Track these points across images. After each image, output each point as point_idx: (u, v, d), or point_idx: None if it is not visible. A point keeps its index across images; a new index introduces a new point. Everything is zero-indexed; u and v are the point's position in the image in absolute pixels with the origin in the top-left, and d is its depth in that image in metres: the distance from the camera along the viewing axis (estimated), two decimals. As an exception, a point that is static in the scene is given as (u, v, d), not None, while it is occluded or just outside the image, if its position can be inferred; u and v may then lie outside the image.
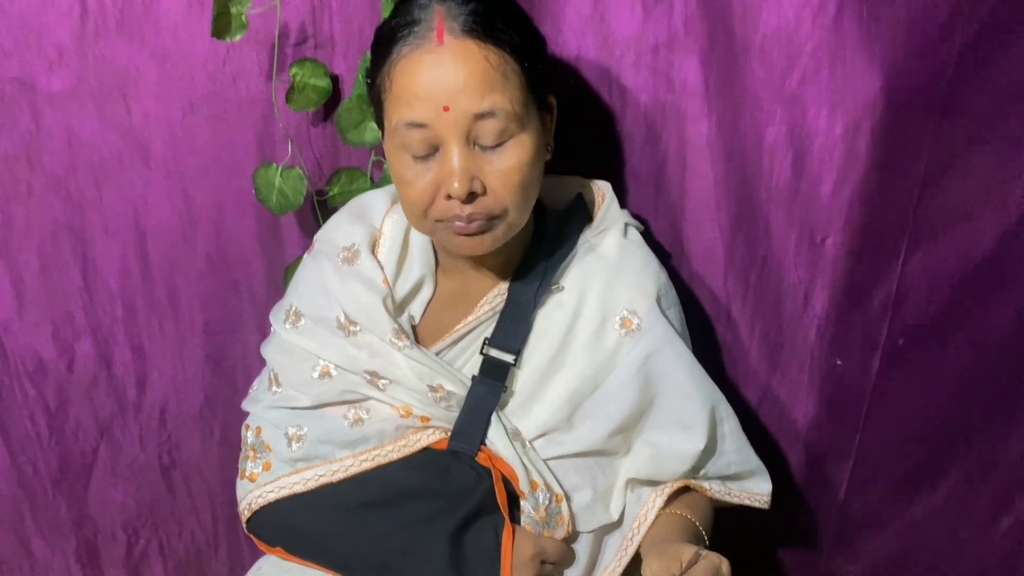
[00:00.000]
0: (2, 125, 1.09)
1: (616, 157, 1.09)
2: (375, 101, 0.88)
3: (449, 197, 0.83)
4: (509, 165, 0.84)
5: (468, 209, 0.84)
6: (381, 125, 0.88)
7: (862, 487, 1.21)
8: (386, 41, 0.84)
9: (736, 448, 0.98)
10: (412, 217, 0.90)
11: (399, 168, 0.86)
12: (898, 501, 1.21)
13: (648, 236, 1.01)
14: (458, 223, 0.85)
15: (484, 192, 0.84)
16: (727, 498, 0.99)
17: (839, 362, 1.13)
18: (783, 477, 1.21)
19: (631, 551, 0.93)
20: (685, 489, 0.96)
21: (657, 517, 0.93)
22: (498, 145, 0.83)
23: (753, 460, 1.00)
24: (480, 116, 0.81)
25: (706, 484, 0.97)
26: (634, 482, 0.96)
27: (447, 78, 0.80)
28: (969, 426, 1.14)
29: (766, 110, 1.02)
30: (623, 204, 1.04)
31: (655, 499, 0.93)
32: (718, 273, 1.12)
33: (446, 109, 0.80)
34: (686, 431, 0.94)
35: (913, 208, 1.04)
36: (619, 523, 0.96)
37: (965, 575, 1.23)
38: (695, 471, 0.96)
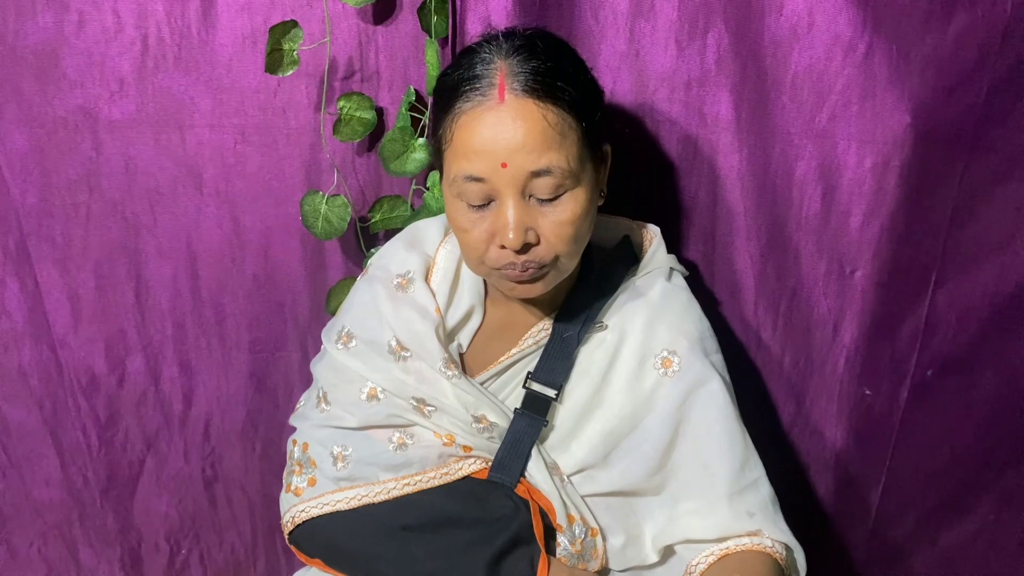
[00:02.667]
0: (65, 151, 1.14)
1: (649, 188, 1.11)
2: (436, 149, 0.89)
3: (503, 247, 0.85)
4: (563, 218, 0.85)
5: (522, 258, 0.85)
6: (440, 170, 0.89)
7: (891, 516, 1.21)
8: (449, 94, 0.85)
9: (763, 522, 0.92)
10: (469, 262, 0.91)
11: (456, 215, 0.87)
12: (928, 531, 1.21)
13: (692, 280, 1.01)
14: (510, 271, 0.87)
15: (537, 242, 0.85)
16: (786, 565, 0.91)
17: (868, 392, 1.14)
18: (812, 505, 1.22)
19: None
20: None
21: (708, 572, 0.89)
22: (553, 198, 0.84)
23: (784, 536, 0.92)
24: (536, 173, 0.82)
25: (768, 543, 0.90)
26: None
27: (506, 136, 0.81)
28: (998, 458, 1.14)
29: (796, 144, 1.05)
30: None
31: (707, 557, 0.90)
32: (748, 302, 1.13)
33: (504, 166, 0.82)
34: (701, 496, 0.92)
35: (942, 242, 1.05)
36: (661, 563, 0.95)
37: (996, 607, 1.23)
38: (720, 536, 0.92)
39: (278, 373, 1.28)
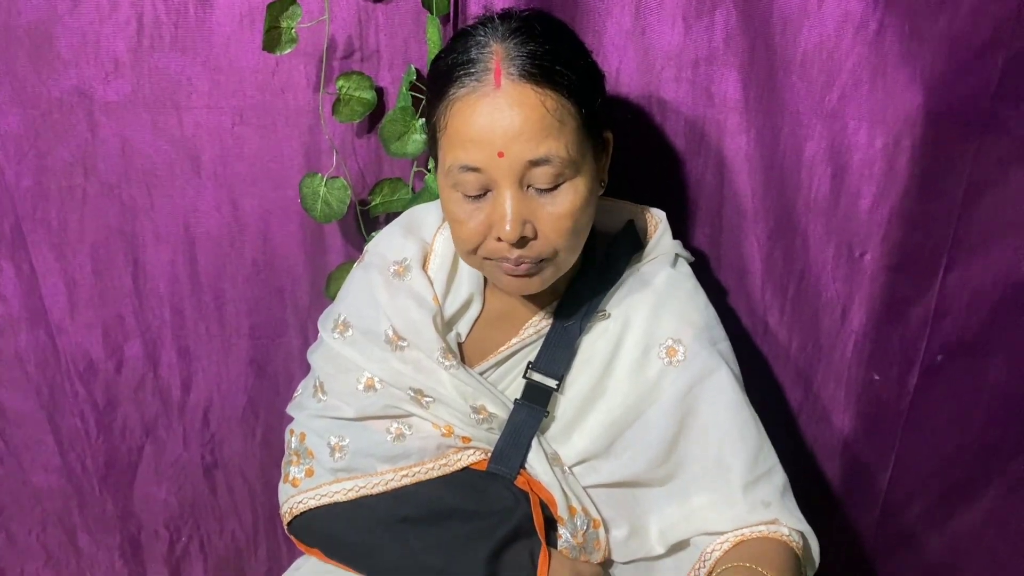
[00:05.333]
0: (60, 133, 1.12)
1: (655, 169, 1.09)
2: (431, 136, 0.86)
3: (500, 239, 0.82)
4: (562, 210, 0.82)
5: (517, 252, 0.83)
6: (435, 158, 0.87)
7: (899, 503, 1.20)
8: (443, 79, 0.82)
9: (779, 512, 0.90)
10: (461, 252, 0.89)
11: (451, 206, 0.85)
12: (936, 518, 1.21)
13: (697, 264, 1.00)
14: (506, 264, 0.84)
15: (535, 236, 0.83)
16: (802, 554, 0.90)
17: (876, 377, 1.13)
18: (820, 491, 1.21)
19: None
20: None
21: (723, 559, 0.87)
22: (552, 188, 0.81)
23: (801, 525, 0.91)
24: (535, 163, 0.79)
25: (785, 531, 0.89)
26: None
27: (503, 124, 0.78)
28: (1008, 445, 1.13)
29: (805, 125, 1.03)
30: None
31: (721, 544, 0.89)
32: (755, 286, 1.12)
33: (501, 155, 0.79)
34: (716, 489, 0.90)
35: (953, 225, 1.04)
36: (669, 554, 0.93)
37: (1004, 594, 1.23)
38: (736, 528, 0.90)
39: (278, 359, 1.27)
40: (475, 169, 0.81)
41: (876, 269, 1.07)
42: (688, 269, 0.97)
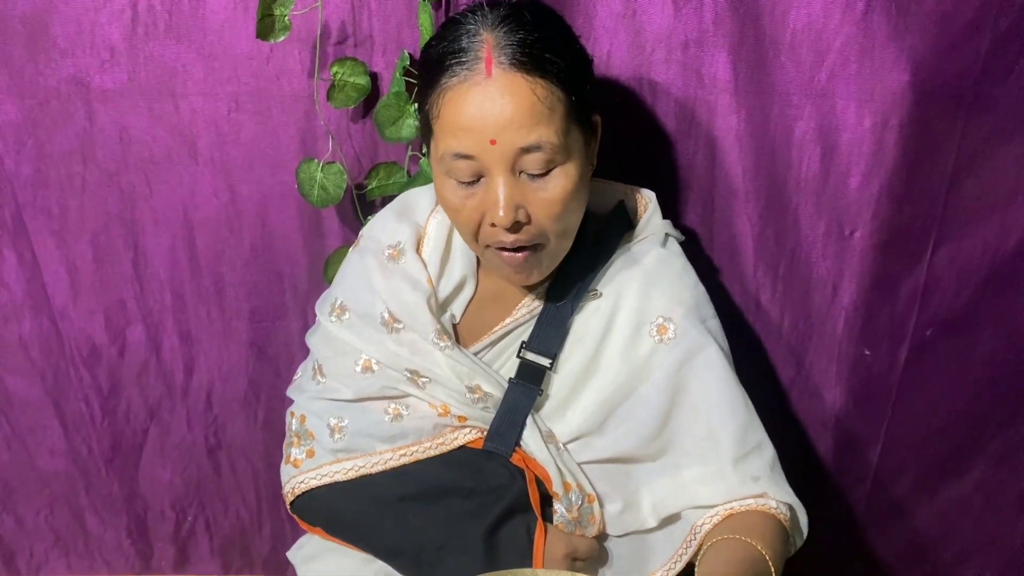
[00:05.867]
0: (58, 122, 1.13)
1: (647, 151, 1.10)
2: (424, 123, 0.87)
3: (494, 224, 0.84)
4: (553, 195, 0.84)
5: (512, 236, 0.85)
6: (428, 144, 0.88)
7: (890, 475, 1.22)
8: (434, 67, 0.84)
9: (768, 485, 0.91)
10: (465, 239, 0.91)
11: (445, 192, 0.86)
12: (926, 490, 1.22)
13: (685, 245, 1.01)
14: (506, 254, 0.86)
15: (528, 221, 0.84)
16: (789, 525, 0.91)
17: (867, 353, 1.14)
18: (812, 465, 1.22)
19: (679, 565, 0.92)
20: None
21: (713, 532, 0.89)
22: (544, 174, 0.83)
23: (789, 498, 0.92)
24: (526, 149, 0.81)
25: (773, 504, 0.91)
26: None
27: (494, 112, 0.80)
28: (996, 417, 1.15)
29: (795, 105, 1.03)
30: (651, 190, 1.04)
31: (711, 518, 0.91)
32: (747, 264, 1.13)
33: (493, 142, 0.80)
34: (706, 464, 0.92)
35: (941, 201, 1.05)
36: (662, 527, 0.95)
37: (993, 564, 1.24)
38: (726, 501, 0.91)
39: (278, 341, 1.29)
40: (468, 157, 0.82)
41: (866, 246, 1.08)
42: (678, 248, 0.99)
